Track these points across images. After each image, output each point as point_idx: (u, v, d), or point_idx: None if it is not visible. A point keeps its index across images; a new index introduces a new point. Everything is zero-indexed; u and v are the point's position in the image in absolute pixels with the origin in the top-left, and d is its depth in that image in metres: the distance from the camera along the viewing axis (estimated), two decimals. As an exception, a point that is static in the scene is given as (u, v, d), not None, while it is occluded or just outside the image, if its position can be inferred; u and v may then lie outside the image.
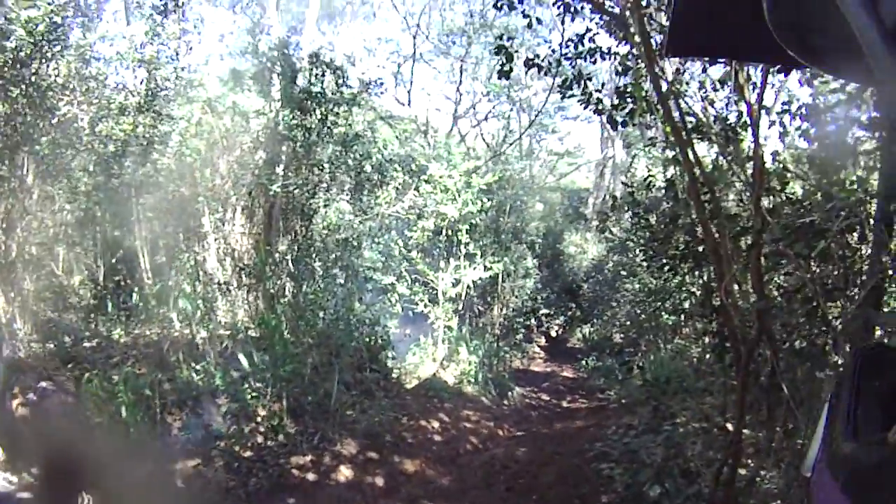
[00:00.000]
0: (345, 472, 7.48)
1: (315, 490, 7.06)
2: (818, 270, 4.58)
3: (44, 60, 8.42)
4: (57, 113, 8.68)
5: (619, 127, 6.68)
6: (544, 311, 18.64)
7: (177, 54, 9.94)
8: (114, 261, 9.53)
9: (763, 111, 5.00)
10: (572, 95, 6.63)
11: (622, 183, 9.18)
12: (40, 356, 7.37)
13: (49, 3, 8.20)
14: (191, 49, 10.14)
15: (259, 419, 7.93)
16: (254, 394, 8.10)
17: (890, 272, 4.39)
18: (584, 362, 14.94)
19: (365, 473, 7.58)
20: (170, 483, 5.94)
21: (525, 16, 7.11)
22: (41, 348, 7.75)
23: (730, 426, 5.88)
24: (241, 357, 8.48)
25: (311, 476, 7.27)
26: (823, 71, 1.61)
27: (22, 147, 8.39)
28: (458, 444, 8.96)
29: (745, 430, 4.99)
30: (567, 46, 6.80)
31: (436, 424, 9.47)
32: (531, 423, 10.41)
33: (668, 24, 1.43)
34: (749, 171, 4.94)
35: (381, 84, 12.50)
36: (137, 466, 5.86)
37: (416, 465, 8.02)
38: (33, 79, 8.28)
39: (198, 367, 8.35)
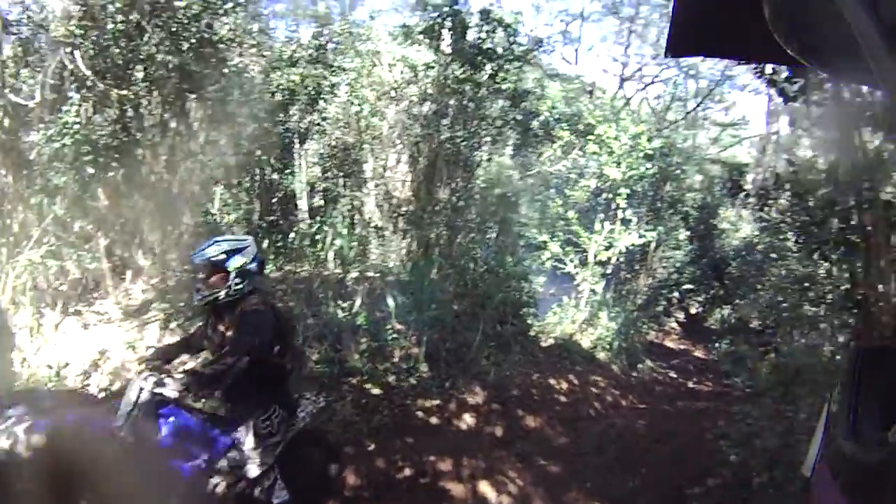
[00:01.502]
0: (467, 420, 7.76)
1: (435, 433, 7.35)
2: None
3: (215, 16, 9.01)
4: (228, 64, 9.27)
5: (790, 101, 6.60)
6: (688, 286, 18.21)
7: (345, 9, 10.37)
8: (272, 201, 10.21)
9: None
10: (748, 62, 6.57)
11: (787, 161, 8.88)
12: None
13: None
14: (359, 4, 10.53)
15: (395, 360, 8.29)
16: (394, 335, 8.43)
17: None
18: (717, 344, 14.56)
19: (486, 423, 7.82)
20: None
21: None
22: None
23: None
24: (388, 298, 8.83)
25: (433, 420, 7.59)
26: (823, 71, 1.59)
27: (189, 95, 9.10)
28: (580, 407, 9.06)
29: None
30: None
31: (564, 385, 9.60)
32: (655, 399, 10.31)
33: (668, 24, 1.40)
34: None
35: (551, 42, 12.51)
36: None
37: (536, 422, 8.21)
38: (205, 34, 8.86)
39: (344, 304, 8.80)
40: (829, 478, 1.05)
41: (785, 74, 6.33)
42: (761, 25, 0.82)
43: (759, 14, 0.81)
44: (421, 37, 10.73)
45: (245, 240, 4.47)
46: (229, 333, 4.35)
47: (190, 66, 8.87)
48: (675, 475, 6.86)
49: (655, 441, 7.95)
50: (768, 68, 6.38)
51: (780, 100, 7.06)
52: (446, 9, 10.56)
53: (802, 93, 6.21)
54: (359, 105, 10.42)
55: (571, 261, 12.69)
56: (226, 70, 9.33)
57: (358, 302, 8.98)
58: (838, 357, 7.40)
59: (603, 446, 7.83)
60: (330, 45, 10.42)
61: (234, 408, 4.46)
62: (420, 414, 7.66)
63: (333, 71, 10.26)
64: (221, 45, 9.09)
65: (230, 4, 9.09)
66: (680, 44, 1.21)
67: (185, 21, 8.73)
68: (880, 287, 4.69)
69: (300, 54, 9.98)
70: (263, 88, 9.78)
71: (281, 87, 10.02)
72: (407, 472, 6.49)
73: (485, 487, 6.41)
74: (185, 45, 8.76)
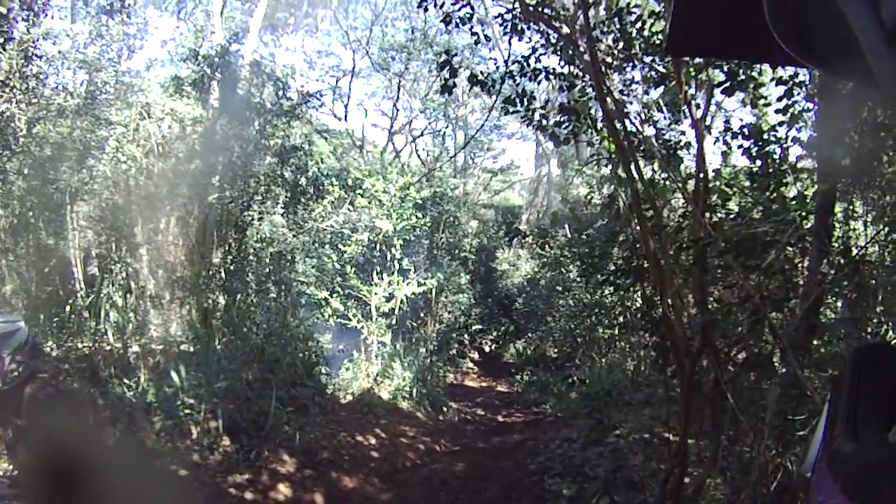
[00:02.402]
0: (283, 491, 7.33)
1: (254, 510, 6.88)
2: (759, 282, 4.71)
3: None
4: (-3, 111, 8.24)
5: (562, 144, 6.74)
6: (477, 326, 18.90)
7: (119, 57, 9.60)
8: (46, 270, 9.16)
9: (706, 130, 5.16)
10: (516, 111, 6.64)
11: (563, 199, 9.28)
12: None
13: (-9, -7, 7.74)
14: (133, 52, 9.80)
15: (194, 436, 7.72)
16: (187, 410, 7.87)
17: (828, 282, 4.57)
18: (518, 377, 15.05)
19: (304, 491, 7.43)
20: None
21: (473, 34, 7.09)
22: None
23: (671, 437, 5.97)
24: (173, 373, 8.25)
25: (248, 495, 7.08)
26: (823, 71, 1.67)
27: (-44, 145, 7.98)
28: (395, 459, 8.87)
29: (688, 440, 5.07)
30: (513, 64, 6.79)
31: (372, 440, 9.36)
32: (468, 438, 10.39)
33: (668, 24, 1.46)
34: (691, 188, 5.08)
35: (321, 97, 12.45)
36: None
37: (354, 482, 7.90)
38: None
39: (130, 382, 8.09)
40: (829, 478, 1.02)
41: (555, 120, 6.53)
42: (761, 25, 0.81)
43: (759, 14, 0.80)
44: (190, 89, 10.17)
45: (16, 321, 4.10)
46: (18, 423, 3.93)
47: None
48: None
49: (482, 480, 7.90)
50: (537, 115, 6.53)
51: (548, 143, 7.31)
52: (217, 60, 10.07)
53: (574, 135, 6.41)
54: (127, 163, 9.59)
55: (355, 315, 12.62)
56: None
57: (143, 378, 8.22)
58: (644, 369, 7.64)
59: (430, 494, 7.71)
60: (101, 96, 9.49)
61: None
62: (233, 491, 7.10)
63: (101, 124, 9.35)
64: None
65: (1, 40, 8.01)
66: (679, 44, 1.19)
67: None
68: (674, 303, 4.87)
69: (69, 103, 8.98)
70: (31, 141, 8.64)
71: (49, 140, 8.95)
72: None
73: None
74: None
